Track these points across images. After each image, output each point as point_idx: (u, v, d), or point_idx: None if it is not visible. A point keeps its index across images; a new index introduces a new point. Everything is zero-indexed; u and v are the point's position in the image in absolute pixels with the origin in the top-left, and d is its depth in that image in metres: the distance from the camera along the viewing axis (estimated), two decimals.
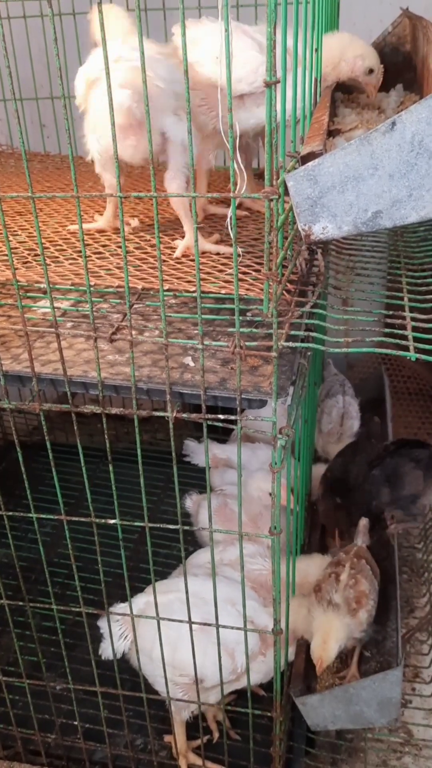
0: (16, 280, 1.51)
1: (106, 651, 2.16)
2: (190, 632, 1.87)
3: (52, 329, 1.52)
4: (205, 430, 1.60)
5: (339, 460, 2.90)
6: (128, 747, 2.24)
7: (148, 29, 2.88)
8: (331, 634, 2.10)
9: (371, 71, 2.25)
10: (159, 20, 3.05)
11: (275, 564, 1.71)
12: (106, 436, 1.66)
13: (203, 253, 2.01)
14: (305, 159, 1.49)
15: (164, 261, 1.95)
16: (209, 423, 1.55)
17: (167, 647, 1.93)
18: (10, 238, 2.18)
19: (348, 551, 2.34)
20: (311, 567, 2.39)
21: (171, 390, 1.53)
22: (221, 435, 3.55)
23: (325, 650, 2.09)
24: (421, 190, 1.32)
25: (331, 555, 2.45)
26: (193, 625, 1.84)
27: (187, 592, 1.80)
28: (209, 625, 1.83)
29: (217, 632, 1.83)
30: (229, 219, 2.27)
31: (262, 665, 2.14)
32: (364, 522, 2.47)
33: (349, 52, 2.22)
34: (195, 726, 2.22)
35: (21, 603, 1.99)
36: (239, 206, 2.40)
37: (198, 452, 3.17)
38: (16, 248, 2.10)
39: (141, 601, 2.17)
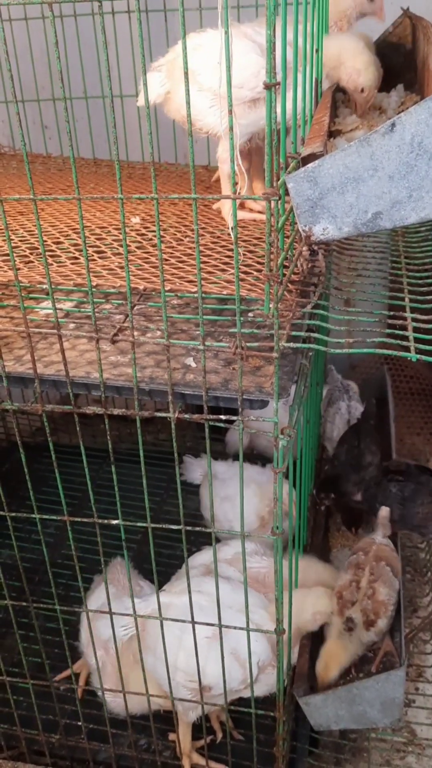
0: (18, 281, 1.51)
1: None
2: (193, 632, 1.87)
3: (55, 330, 1.53)
4: (207, 430, 1.60)
5: (344, 447, 2.92)
6: (132, 747, 2.25)
7: (149, 30, 2.89)
8: (333, 660, 2.16)
9: (362, 90, 2.17)
10: (160, 21, 3.06)
11: (278, 565, 1.72)
12: (108, 437, 1.66)
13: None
14: (306, 160, 1.50)
15: (166, 261, 1.95)
16: (211, 423, 1.56)
17: (182, 652, 1.92)
18: (12, 237, 2.18)
19: (368, 551, 2.30)
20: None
21: (173, 391, 1.53)
22: (223, 435, 3.56)
23: (326, 673, 2.15)
24: (420, 191, 1.32)
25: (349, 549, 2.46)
26: (207, 634, 1.84)
27: (189, 593, 1.80)
28: (212, 625, 1.84)
29: (220, 632, 1.83)
30: (229, 219, 2.30)
31: (272, 677, 2.12)
32: (384, 513, 2.42)
33: (350, 62, 2.15)
34: (198, 726, 2.22)
35: (24, 604, 1.99)
36: (242, 207, 2.40)
37: (191, 469, 3.12)
38: (17, 246, 2.11)
39: (154, 602, 2.17)
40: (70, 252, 2.08)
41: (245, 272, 1.83)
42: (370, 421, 3.05)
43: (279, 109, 1.44)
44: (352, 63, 2.14)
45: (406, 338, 1.44)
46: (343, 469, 2.81)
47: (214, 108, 2.13)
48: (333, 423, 3.29)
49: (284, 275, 1.57)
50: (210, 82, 2.07)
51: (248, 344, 1.45)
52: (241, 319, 1.41)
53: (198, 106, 2.11)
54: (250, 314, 1.68)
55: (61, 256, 2.05)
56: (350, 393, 3.43)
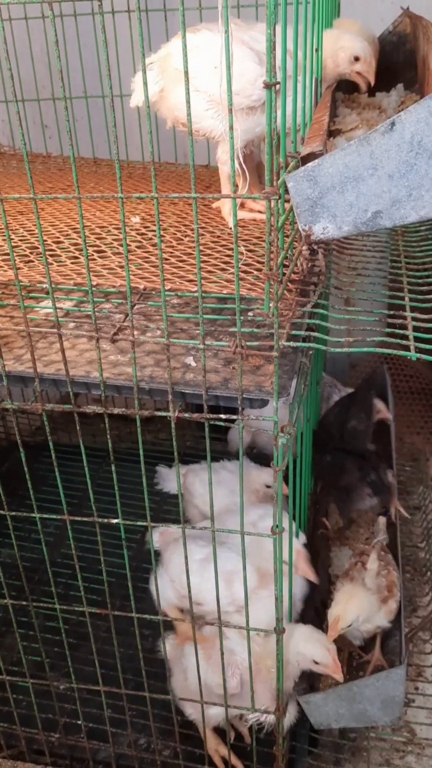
0: (18, 281, 1.52)
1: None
2: (193, 633, 1.88)
3: (55, 330, 1.53)
4: (207, 429, 1.60)
5: (335, 409, 3.17)
6: (132, 746, 2.25)
7: (149, 30, 2.89)
8: (353, 601, 2.16)
9: (357, 58, 2.19)
10: (160, 21, 3.06)
11: (278, 564, 1.72)
12: (108, 437, 1.66)
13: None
14: (305, 159, 1.50)
15: (166, 260, 1.95)
16: (211, 423, 1.56)
17: (181, 572, 1.92)
18: (12, 236, 2.19)
19: (369, 544, 2.45)
20: None
21: (173, 390, 1.54)
22: (223, 434, 3.56)
23: (345, 612, 2.13)
24: (420, 190, 1.32)
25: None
26: (197, 557, 1.96)
27: (190, 591, 1.81)
28: (210, 623, 1.84)
29: (219, 631, 1.84)
30: (229, 219, 2.30)
31: (266, 602, 2.03)
32: (382, 520, 2.60)
33: (334, 48, 2.19)
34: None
35: (24, 603, 1.99)
36: (242, 206, 2.40)
37: (168, 479, 3.11)
38: (17, 245, 2.11)
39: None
40: (70, 251, 2.08)
41: (245, 271, 1.83)
42: (371, 391, 3.18)
43: (279, 112, 1.45)
44: (333, 47, 2.19)
45: (406, 337, 1.44)
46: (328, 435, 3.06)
47: (211, 110, 2.12)
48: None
49: (284, 274, 1.57)
50: (206, 86, 2.04)
51: (248, 343, 1.45)
52: (241, 318, 1.42)
53: (194, 108, 2.09)
54: (250, 313, 1.68)
55: (61, 256, 2.05)
56: (338, 386, 3.55)
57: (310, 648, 2.03)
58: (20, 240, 2.17)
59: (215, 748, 2.33)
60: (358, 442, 3.01)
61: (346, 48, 2.19)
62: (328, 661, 2.02)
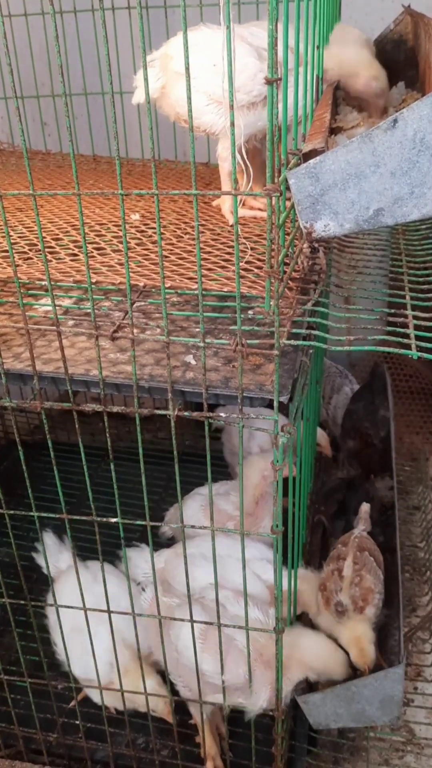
0: (17, 278, 1.51)
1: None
2: (192, 634, 1.87)
3: (54, 327, 1.52)
4: (206, 428, 1.59)
5: (360, 403, 3.29)
6: (130, 746, 2.24)
7: (150, 27, 2.88)
8: (363, 640, 2.13)
9: (382, 93, 2.28)
10: (160, 17, 3.04)
11: (277, 564, 1.71)
12: (107, 435, 1.65)
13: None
14: (307, 156, 1.49)
15: (166, 258, 1.94)
16: (211, 422, 1.55)
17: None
18: (11, 233, 2.18)
19: (346, 542, 2.34)
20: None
21: (173, 388, 1.53)
22: (220, 433, 3.55)
23: (365, 656, 2.12)
24: (422, 187, 1.31)
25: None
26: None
27: (189, 601, 1.80)
28: (209, 623, 1.83)
29: (219, 631, 1.83)
30: (229, 217, 2.30)
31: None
32: (365, 508, 2.50)
33: (365, 71, 2.23)
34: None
35: (23, 602, 1.98)
36: (242, 204, 2.39)
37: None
38: (16, 243, 2.10)
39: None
40: (69, 249, 2.07)
41: (246, 269, 1.83)
42: (382, 382, 3.31)
43: (280, 107, 1.44)
44: (368, 72, 2.23)
45: (407, 336, 1.43)
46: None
47: (211, 106, 2.12)
48: (342, 408, 3.43)
49: (285, 272, 1.56)
50: (206, 86, 2.04)
51: (248, 342, 1.44)
52: (242, 316, 1.41)
53: (194, 104, 2.08)
54: (251, 311, 1.68)
55: (60, 253, 2.04)
56: (349, 377, 3.59)
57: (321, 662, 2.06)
58: (19, 237, 2.16)
59: (213, 755, 2.32)
60: (387, 429, 3.14)
61: (381, 81, 2.26)
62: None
